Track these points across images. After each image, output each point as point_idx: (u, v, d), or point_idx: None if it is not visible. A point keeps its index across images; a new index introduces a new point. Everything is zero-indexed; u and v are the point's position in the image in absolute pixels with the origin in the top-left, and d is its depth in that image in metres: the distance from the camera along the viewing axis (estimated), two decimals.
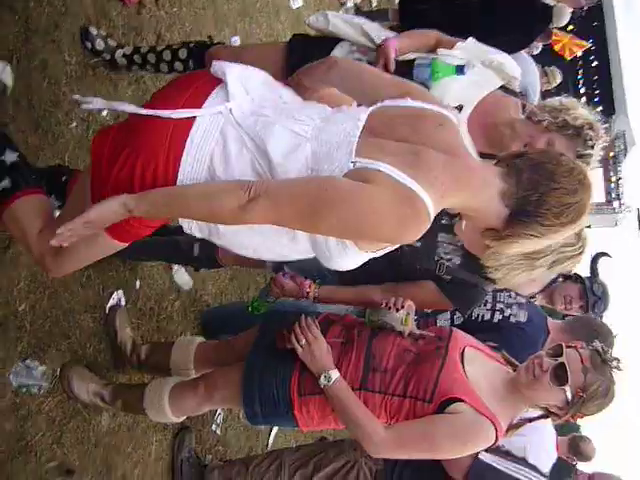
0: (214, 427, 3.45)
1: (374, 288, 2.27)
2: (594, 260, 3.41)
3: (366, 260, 1.61)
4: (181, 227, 1.68)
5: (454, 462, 2.37)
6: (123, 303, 2.85)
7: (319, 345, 2.13)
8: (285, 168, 1.52)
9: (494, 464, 2.42)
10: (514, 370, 2.18)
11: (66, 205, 1.91)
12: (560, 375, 2.03)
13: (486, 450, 2.23)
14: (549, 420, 2.23)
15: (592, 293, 3.11)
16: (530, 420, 2.18)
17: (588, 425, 2.32)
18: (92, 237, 1.65)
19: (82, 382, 2.50)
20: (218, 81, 1.65)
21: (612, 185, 21.81)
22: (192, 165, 1.55)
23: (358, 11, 6.54)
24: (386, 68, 2.25)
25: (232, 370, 2.35)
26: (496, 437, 2.02)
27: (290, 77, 1.85)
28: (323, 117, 1.60)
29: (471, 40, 2.43)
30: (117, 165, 1.58)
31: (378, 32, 2.47)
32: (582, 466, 3.53)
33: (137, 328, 2.95)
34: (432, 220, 1.51)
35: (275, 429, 4.02)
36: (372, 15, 5.71)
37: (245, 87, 1.64)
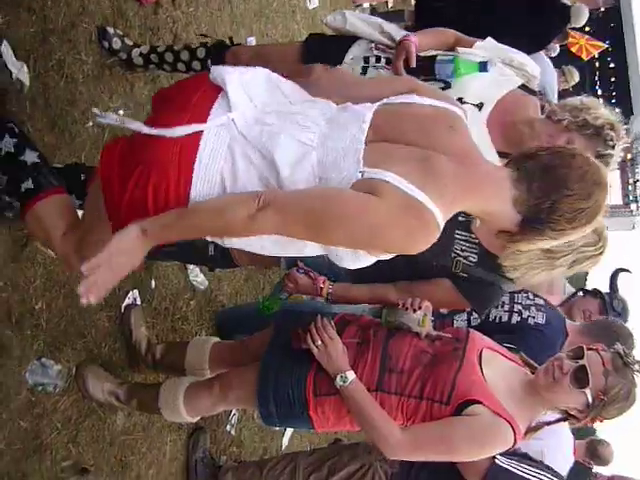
0: (228, 428, 3.44)
1: (389, 286, 2.25)
2: (614, 275, 3.38)
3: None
4: None
5: (470, 465, 2.33)
6: (138, 302, 2.85)
7: (335, 346, 2.12)
8: (293, 179, 1.50)
9: (511, 467, 2.39)
10: (532, 372, 2.15)
11: (85, 213, 1.90)
12: (581, 378, 2.00)
13: (503, 453, 2.21)
14: (566, 423, 2.20)
15: (612, 309, 3.08)
16: (549, 423, 2.14)
17: (606, 428, 2.28)
18: None
19: (97, 381, 2.50)
20: (219, 89, 1.61)
21: (630, 188, 21.61)
22: (203, 185, 1.54)
23: (374, 12, 6.52)
24: (407, 63, 2.22)
25: (247, 370, 2.34)
26: (514, 440, 2.00)
27: None
28: (328, 118, 1.57)
29: (490, 39, 2.42)
30: (129, 187, 1.57)
31: (396, 32, 2.46)
32: (600, 469, 3.50)
33: (152, 327, 2.95)
34: (442, 229, 1.50)
35: (289, 430, 4.01)
36: (388, 16, 5.70)
37: (247, 93, 1.60)
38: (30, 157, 1.86)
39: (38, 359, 2.32)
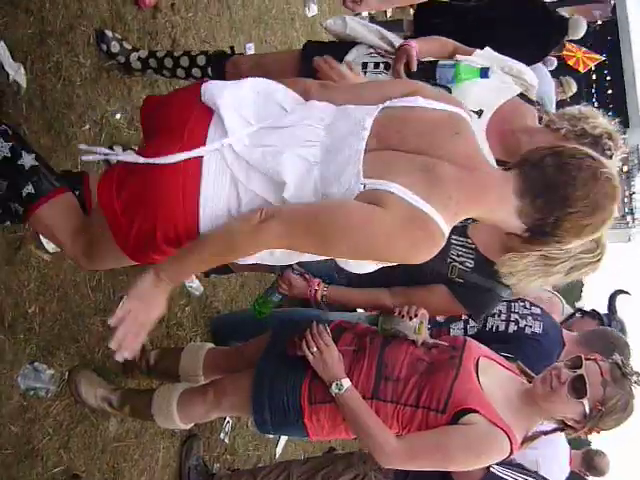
0: (222, 435, 3.41)
1: (384, 291, 2.24)
2: (612, 297, 3.37)
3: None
4: None
5: (465, 475, 2.32)
6: None
7: (331, 353, 2.10)
8: (297, 196, 1.50)
9: (506, 477, 2.38)
10: (529, 381, 2.13)
11: (91, 221, 1.85)
12: (578, 387, 1.98)
13: (498, 463, 2.19)
14: (563, 433, 2.19)
15: None
16: (545, 433, 2.13)
17: (602, 439, 2.26)
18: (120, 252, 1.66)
19: (90, 386, 2.47)
20: (211, 110, 1.58)
21: (625, 200, 21.68)
22: (210, 217, 1.54)
23: (372, 21, 6.54)
24: (408, 67, 2.21)
25: (242, 377, 2.32)
26: (511, 449, 1.98)
27: None
28: (327, 124, 1.56)
29: (488, 49, 2.42)
30: (135, 226, 1.57)
31: (395, 39, 2.46)
32: None
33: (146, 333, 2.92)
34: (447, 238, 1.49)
35: (283, 439, 3.98)
36: (387, 25, 5.70)
37: (242, 115, 1.57)
38: (28, 160, 1.83)
39: (31, 363, 2.29)
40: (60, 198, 1.84)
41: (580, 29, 5.49)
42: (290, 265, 2.34)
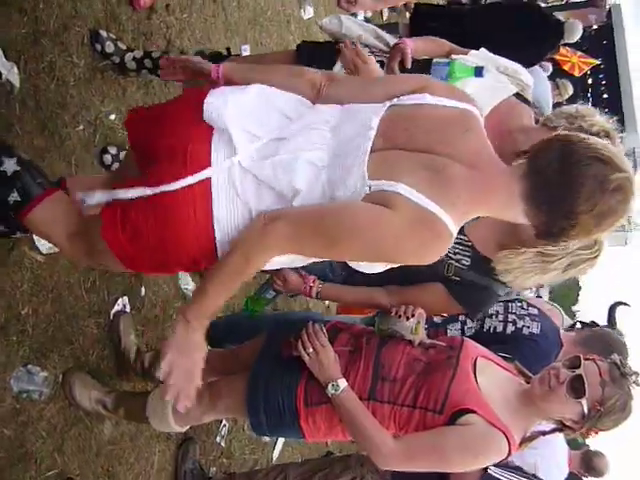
0: (219, 439, 3.39)
1: (380, 290, 2.22)
2: (612, 309, 3.37)
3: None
4: None
5: (462, 476, 2.30)
6: (128, 309, 2.81)
7: (326, 353, 2.08)
8: (306, 201, 1.48)
9: (504, 478, 2.36)
10: (527, 382, 2.11)
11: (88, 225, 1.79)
12: (577, 387, 1.97)
13: (495, 464, 2.17)
14: (562, 434, 2.17)
15: None
16: (544, 433, 2.11)
17: (600, 439, 2.25)
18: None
19: (84, 389, 2.45)
20: (210, 127, 1.54)
21: None
22: (226, 239, 1.52)
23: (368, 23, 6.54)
24: (403, 65, 2.21)
25: (237, 379, 2.29)
26: (509, 450, 1.96)
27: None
28: (332, 126, 1.54)
29: (484, 50, 2.42)
30: (145, 256, 1.57)
31: (391, 39, 2.46)
32: None
33: (142, 335, 2.91)
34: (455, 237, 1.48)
35: (280, 442, 3.96)
36: (383, 28, 5.71)
37: (247, 129, 1.54)
38: (9, 166, 1.75)
39: (24, 366, 2.27)
40: (50, 200, 1.78)
41: (576, 32, 5.50)
42: None
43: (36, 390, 2.29)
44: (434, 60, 2.23)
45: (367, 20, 6.66)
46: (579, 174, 1.43)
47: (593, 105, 2.26)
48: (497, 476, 2.31)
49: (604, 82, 18.84)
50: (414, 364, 2.08)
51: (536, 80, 2.68)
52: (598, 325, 3.16)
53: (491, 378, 2.07)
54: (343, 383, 2.04)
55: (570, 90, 6.51)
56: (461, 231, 2.07)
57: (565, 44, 6.24)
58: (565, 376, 1.99)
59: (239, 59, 2.85)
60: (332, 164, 1.49)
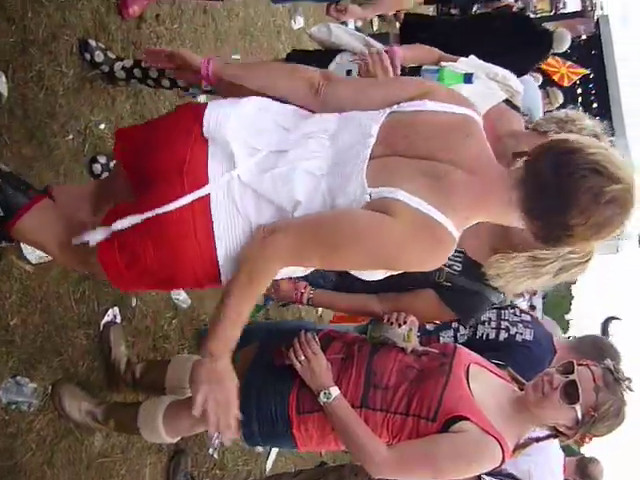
0: (211, 450, 3.35)
1: (372, 297, 2.21)
2: (605, 323, 3.37)
3: None
4: None
5: None
6: (118, 320, 2.78)
7: (319, 361, 2.06)
8: (307, 211, 1.47)
9: None
10: (520, 388, 2.10)
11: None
12: (571, 393, 1.96)
13: (489, 472, 2.15)
14: (557, 440, 2.16)
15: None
16: (537, 440, 2.10)
17: (595, 446, 2.24)
18: None
19: (74, 400, 2.42)
20: (204, 142, 1.52)
21: None
22: (228, 257, 1.51)
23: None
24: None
25: None
26: (502, 457, 1.94)
27: None
28: (331, 134, 1.53)
29: (473, 57, 2.43)
30: (144, 280, 1.57)
31: (381, 47, 2.46)
32: None
33: (132, 346, 2.88)
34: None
35: (274, 452, 3.92)
36: (373, 38, 5.74)
37: (247, 142, 1.52)
38: None
39: (12, 377, 2.24)
40: (37, 208, 1.75)
41: (564, 42, 5.54)
42: None
43: (25, 401, 2.27)
44: (423, 67, 2.23)
45: (358, 30, 6.69)
46: (574, 186, 1.41)
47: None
48: None
49: (593, 92, 18.96)
50: (407, 371, 2.06)
51: (526, 88, 2.69)
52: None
53: (484, 385, 2.06)
54: (335, 391, 2.02)
55: (560, 99, 6.55)
56: None
57: (554, 54, 6.28)
58: (559, 382, 1.98)
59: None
60: (331, 172, 1.48)
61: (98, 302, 2.67)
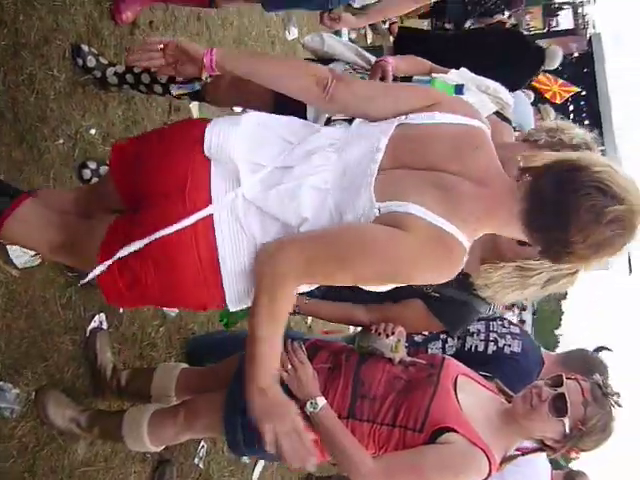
0: (197, 460, 3.32)
1: (359, 307, 2.20)
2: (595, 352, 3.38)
3: None
4: None
5: None
6: (105, 327, 2.76)
7: (305, 370, 2.04)
8: (314, 226, 1.46)
9: None
10: (508, 401, 2.09)
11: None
12: (559, 406, 1.95)
13: None
14: (544, 454, 2.15)
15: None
16: (524, 453, 2.09)
17: (582, 460, 2.23)
18: None
19: (58, 407, 2.39)
20: (206, 160, 1.49)
21: None
22: (235, 284, 1.50)
23: None
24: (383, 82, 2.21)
25: (214, 397, 2.26)
26: (489, 470, 1.93)
27: None
28: (337, 147, 1.51)
29: (464, 69, 2.44)
30: (146, 302, 1.59)
31: (373, 58, 2.47)
32: None
33: (119, 354, 2.85)
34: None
35: (260, 464, 3.89)
36: (367, 51, 5.76)
37: (251, 159, 1.50)
38: None
39: None
40: (19, 212, 1.72)
41: (556, 59, 5.57)
42: None
43: (7, 407, 2.23)
44: (414, 77, 2.24)
45: (352, 42, 6.73)
46: (576, 203, 1.40)
47: None
48: None
49: (585, 109, 19.11)
50: (394, 382, 2.05)
51: (517, 103, 2.71)
52: None
53: (472, 396, 2.05)
54: (322, 401, 2.00)
55: (552, 115, 6.57)
56: None
57: (546, 71, 6.33)
58: (547, 394, 1.97)
59: (223, 76, 2.83)
60: (338, 186, 1.46)
61: (85, 308, 2.65)
